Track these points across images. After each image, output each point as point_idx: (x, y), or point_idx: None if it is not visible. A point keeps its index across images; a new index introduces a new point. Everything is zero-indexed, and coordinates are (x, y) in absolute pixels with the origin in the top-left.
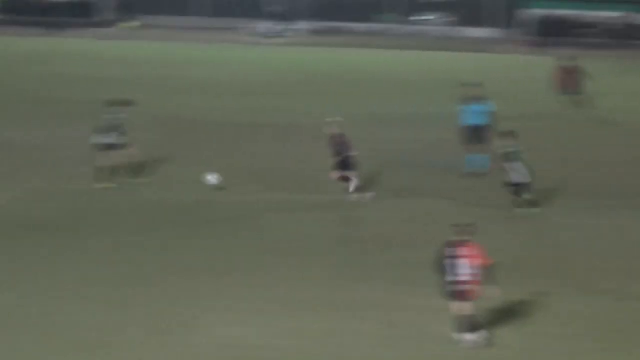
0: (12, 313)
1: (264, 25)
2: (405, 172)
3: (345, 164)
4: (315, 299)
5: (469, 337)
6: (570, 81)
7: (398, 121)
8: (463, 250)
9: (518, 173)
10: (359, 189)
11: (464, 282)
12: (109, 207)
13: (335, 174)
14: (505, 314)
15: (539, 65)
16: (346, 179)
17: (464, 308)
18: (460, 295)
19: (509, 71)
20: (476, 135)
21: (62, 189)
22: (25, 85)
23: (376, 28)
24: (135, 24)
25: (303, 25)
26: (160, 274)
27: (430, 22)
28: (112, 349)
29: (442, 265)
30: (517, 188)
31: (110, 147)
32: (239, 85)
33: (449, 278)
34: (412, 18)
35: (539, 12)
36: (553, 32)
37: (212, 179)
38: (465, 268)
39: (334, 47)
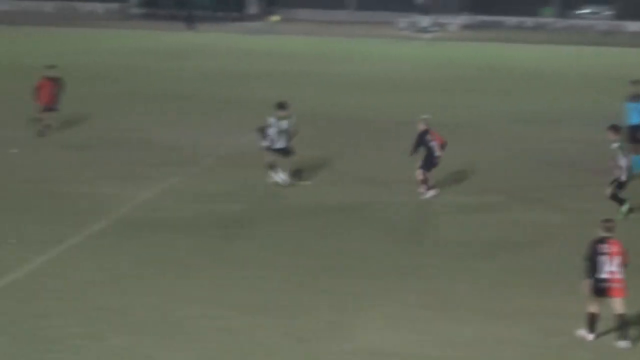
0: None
1: (412, 20)
2: (561, 172)
3: (430, 164)
4: (466, 304)
5: (623, 343)
6: None
7: (554, 119)
8: (612, 247)
9: None
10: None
11: (614, 280)
12: (272, 208)
13: (421, 174)
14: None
15: None
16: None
17: (616, 306)
18: (609, 292)
19: None
20: None
21: (206, 188)
22: (167, 82)
23: (530, 22)
24: (277, 18)
25: (453, 19)
26: (325, 277)
27: (590, 15)
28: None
29: (594, 262)
30: None
31: (282, 152)
32: (389, 81)
33: (599, 275)
34: (572, 11)
35: None
36: None
37: (278, 176)
38: (615, 265)
39: (485, 42)
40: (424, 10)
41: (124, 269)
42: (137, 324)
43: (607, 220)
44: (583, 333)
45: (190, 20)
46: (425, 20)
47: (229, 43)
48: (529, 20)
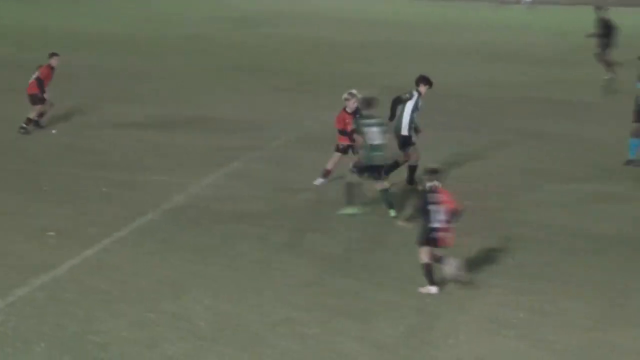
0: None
1: None
2: None
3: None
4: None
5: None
6: None
7: None
8: (442, 197)
9: None
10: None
11: (444, 229)
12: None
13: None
14: None
15: None
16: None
17: (435, 255)
18: (435, 242)
19: None
20: None
21: (272, 174)
22: (240, 53)
23: None
24: None
25: None
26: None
27: None
28: None
29: (425, 211)
30: None
31: (406, 143)
32: (491, 52)
33: (431, 225)
34: None
35: None
36: None
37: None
38: (444, 214)
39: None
40: None
41: (178, 266)
42: (194, 329)
43: (433, 170)
44: (427, 289)
45: None
46: None
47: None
48: None
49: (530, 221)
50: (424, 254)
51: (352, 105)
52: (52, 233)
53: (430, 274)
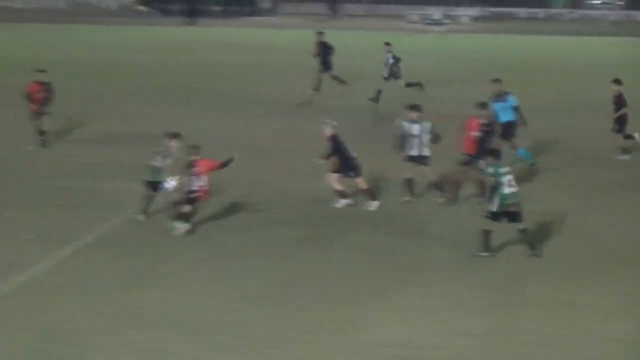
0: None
1: (423, 12)
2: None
3: (347, 167)
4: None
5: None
6: None
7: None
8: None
9: None
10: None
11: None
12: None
13: (333, 177)
14: None
15: None
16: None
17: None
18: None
19: None
20: None
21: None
22: (177, 77)
23: (542, 13)
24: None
25: (464, 11)
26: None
27: (601, 6)
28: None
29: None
30: None
31: (418, 160)
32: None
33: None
34: (583, 1)
35: None
36: None
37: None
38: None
39: (497, 34)
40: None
41: (140, 265)
42: (152, 319)
43: (194, 146)
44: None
45: (191, 15)
46: (436, 13)
47: (234, 36)
48: (540, 12)
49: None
50: None
51: None
52: (32, 237)
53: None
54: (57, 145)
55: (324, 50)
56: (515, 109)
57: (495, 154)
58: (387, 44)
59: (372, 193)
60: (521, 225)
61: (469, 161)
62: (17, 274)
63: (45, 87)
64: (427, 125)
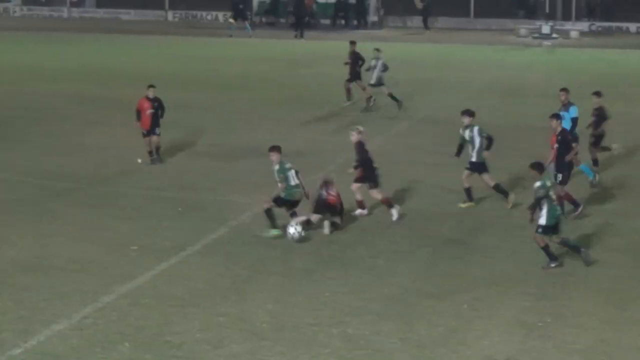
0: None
1: (533, 27)
2: None
3: (368, 177)
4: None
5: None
6: None
7: None
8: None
9: None
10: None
11: None
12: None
13: (356, 187)
14: None
15: None
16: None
17: None
18: None
19: None
20: None
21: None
22: (294, 89)
23: None
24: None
25: (574, 25)
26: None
27: None
28: None
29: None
30: None
31: (475, 167)
32: (509, 88)
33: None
34: None
35: None
36: None
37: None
38: None
39: (606, 49)
40: (544, 17)
41: (243, 276)
42: (255, 331)
43: (327, 180)
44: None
45: (299, 28)
46: (545, 27)
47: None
48: None
49: None
50: None
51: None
52: (135, 247)
53: None
54: (167, 157)
55: (355, 61)
56: (574, 120)
57: (538, 167)
58: (377, 50)
59: (388, 201)
60: (562, 235)
61: (556, 175)
62: (121, 284)
63: (155, 104)
64: (477, 129)
